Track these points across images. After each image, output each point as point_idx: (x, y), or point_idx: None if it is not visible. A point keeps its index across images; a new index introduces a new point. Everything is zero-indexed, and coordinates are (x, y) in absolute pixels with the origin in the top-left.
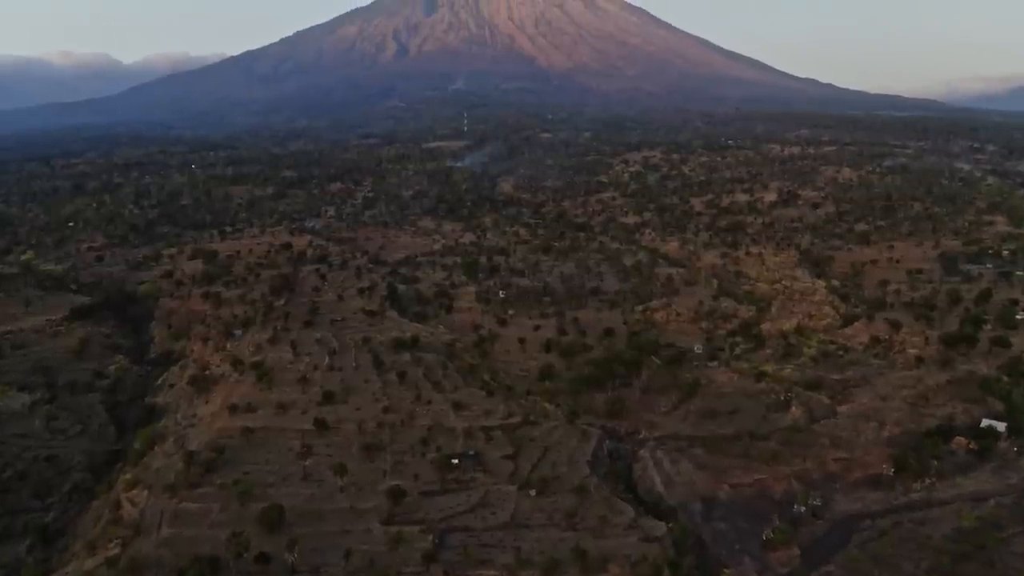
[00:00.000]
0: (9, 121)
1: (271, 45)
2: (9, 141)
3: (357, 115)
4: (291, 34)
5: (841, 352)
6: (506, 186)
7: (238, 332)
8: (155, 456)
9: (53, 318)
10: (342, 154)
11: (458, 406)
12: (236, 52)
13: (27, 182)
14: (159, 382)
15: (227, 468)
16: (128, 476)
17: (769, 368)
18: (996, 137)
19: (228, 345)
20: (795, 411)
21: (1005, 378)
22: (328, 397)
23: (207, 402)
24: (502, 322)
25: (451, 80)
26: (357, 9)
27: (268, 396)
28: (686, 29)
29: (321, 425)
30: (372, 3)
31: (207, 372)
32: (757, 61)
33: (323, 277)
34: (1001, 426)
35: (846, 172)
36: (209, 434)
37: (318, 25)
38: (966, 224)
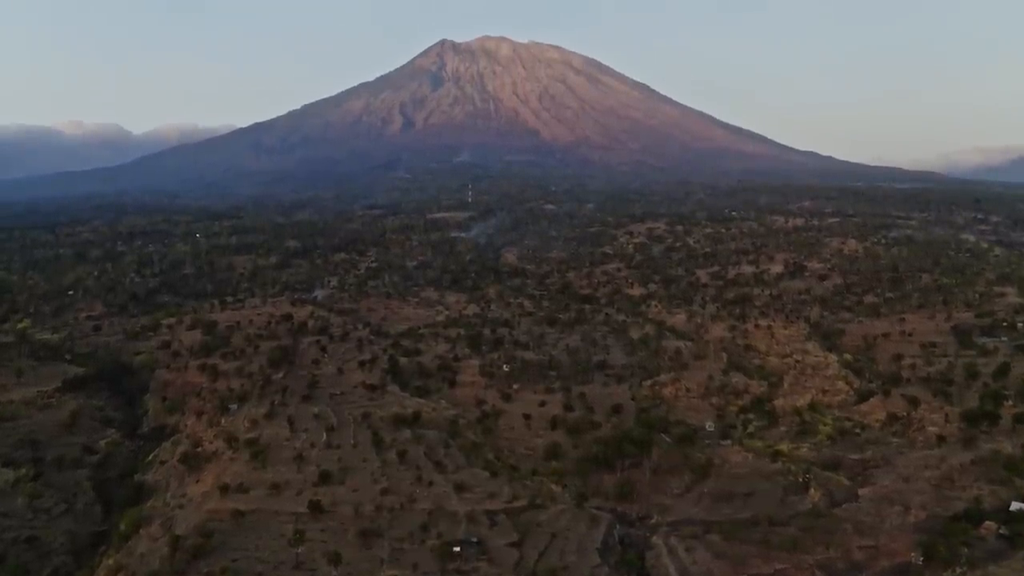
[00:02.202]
0: (19, 189)
1: (279, 117)
2: (17, 208)
3: (362, 186)
4: (299, 107)
5: (858, 430)
6: (510, 257)
7: (234, 406)
8: (140, 539)
9: (45, 389)
10: (346, 224)
11: (460, 488)
12: (244, 124)
13: (30, 250)
14: (150, 458)
15: (215, 555)
16: (111, 561)
17: (784, 447)
18: (999, 208)
19: (223, 420)
20: (814, 494)
21: None
22: (324, 477)
23: (198, 481)
24: (506, 397)
25: (456, 152)
26: (364, 84)
27: (262, 476)
28: (688, 104)
29: (316, 508)
30: (379, 78)
31: (199, 449)
32: (758, 134)
33: (323, 349)
34: None
35: (851, 244)
36: (198, 516)
37: (325, 99)
38: (977, 296)
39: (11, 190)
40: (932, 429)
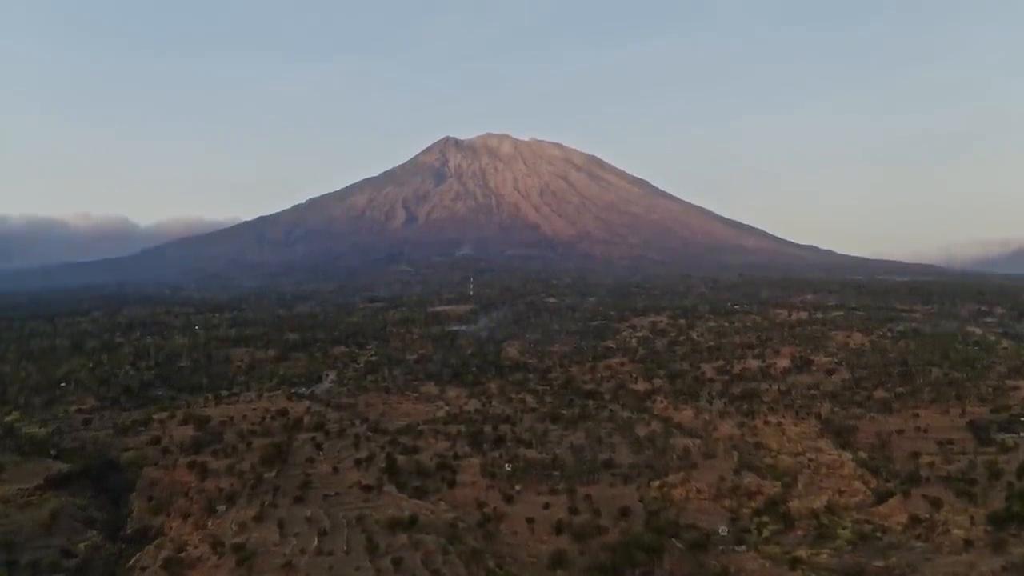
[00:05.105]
0: (24, 279)
1: (283, 211)
2: (19, 299)
3: (365, 279)
4: (303, 201)
5: (879, 534)
6: (512, 351)
7: (222, 507)
8: None
9: (26, 487)
10: (347, 317)
11: None
12: (249, 217)
13: (27, 340)
14: (131, 563)
15: None
16: None
17: (803, 553)
18: (1002, 300)
19: (210, 522)
20: None
21: None
22: None
23: None
24: (508, 499)
25: (458, 246)
26: (368, 179)
27: None
28: (687, 199)
29: None
30: (383, 173)
31: (183, 553)
32: (757, 229)
33: (319, 447)
34: None
35: (857, 337)
36: None
37: (329, 193)
38: (990, 390)
39: (16, 280)
40: (957, 532)
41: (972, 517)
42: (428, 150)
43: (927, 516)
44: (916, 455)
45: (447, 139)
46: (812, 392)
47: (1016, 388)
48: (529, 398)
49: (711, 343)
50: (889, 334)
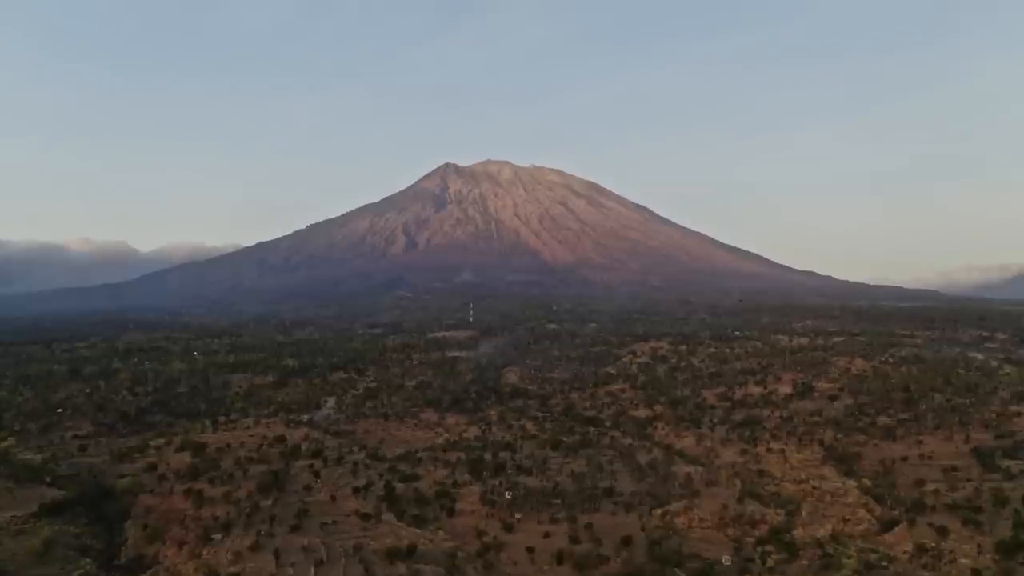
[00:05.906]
0: (23, 304)
1: (284, 237)
2: (19, 323)
3: (365, 305)
4: (304, 227)
5: (885, 563)
6: (512, 377)
7: (218, 536)
8: None
9: (19, 514)
10: (346, 343)
11: None
12: (250, 243)
13: (24, 365)
14: None
15: None
16: None
17: None
18: (1003, 325)
19: (205, 551)
20: None
21: None
22: None
23: None
24: (508, 527)
25: (458, 272)
26: (369, 205)
27: None
28: (687, 225)
29: None
30: (383, 199)
31: None
32: (756, 255)
33: (316, 474)
34: None
35: (859, 363)
36: None
37: (330, 219)
38: (993, 416)
39: (15, 305)
40: (965, 561)
41: (979, 546)
42: (428, 176)
43: (933, 545)
44: (921, 482)
45: (447, 165)
46: (814, 418)
47: (1020, 414)
48: (529, 425)
49: (712, 369)
50: (891, 360)
